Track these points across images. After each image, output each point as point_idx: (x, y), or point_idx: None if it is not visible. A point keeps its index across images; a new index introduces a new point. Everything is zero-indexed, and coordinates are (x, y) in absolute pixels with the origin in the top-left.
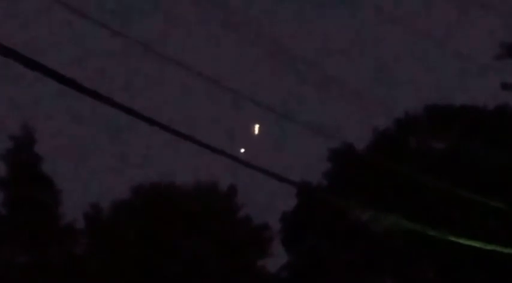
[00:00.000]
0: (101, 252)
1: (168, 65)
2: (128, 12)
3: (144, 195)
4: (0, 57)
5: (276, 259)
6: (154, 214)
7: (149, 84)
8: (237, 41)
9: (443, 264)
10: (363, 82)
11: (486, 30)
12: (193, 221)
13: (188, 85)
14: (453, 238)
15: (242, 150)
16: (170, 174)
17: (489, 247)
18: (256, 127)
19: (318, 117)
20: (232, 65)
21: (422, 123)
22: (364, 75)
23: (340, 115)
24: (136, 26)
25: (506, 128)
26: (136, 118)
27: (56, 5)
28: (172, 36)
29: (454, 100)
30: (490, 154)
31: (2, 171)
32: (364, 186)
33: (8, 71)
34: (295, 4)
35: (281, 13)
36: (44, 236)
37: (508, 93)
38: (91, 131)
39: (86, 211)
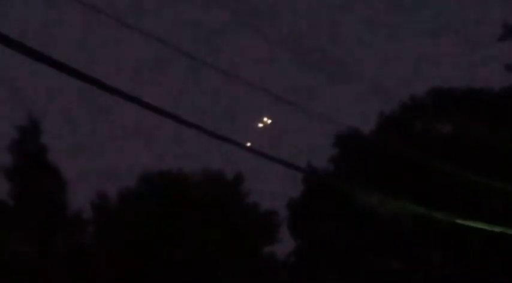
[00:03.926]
0: (108, 241)
1: (176, 53)
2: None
3: (152, 183)
4: None
5: (284, 245)
6: (161, 203)
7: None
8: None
9: (451, 247)
10: (368, 67)
11: (489, 12)
12: (200, 209)
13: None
14: (460, 221)
15: (248, 144)
16: (177, 162)
17: (497, 229)
18: (265, 120)
19: (323, 103)
20: (237, 53)
21: (427, 107)
22: (369, 60)
23: (345, 100)
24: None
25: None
26: (142, 107)
27: None
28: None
29: (458, 83)
30: (495, 137)
31: (9, 161)
32: (371, 170)
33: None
34: None
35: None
36: (51, 226)
37: None
38: (98, 119)
39: (93, 200)
